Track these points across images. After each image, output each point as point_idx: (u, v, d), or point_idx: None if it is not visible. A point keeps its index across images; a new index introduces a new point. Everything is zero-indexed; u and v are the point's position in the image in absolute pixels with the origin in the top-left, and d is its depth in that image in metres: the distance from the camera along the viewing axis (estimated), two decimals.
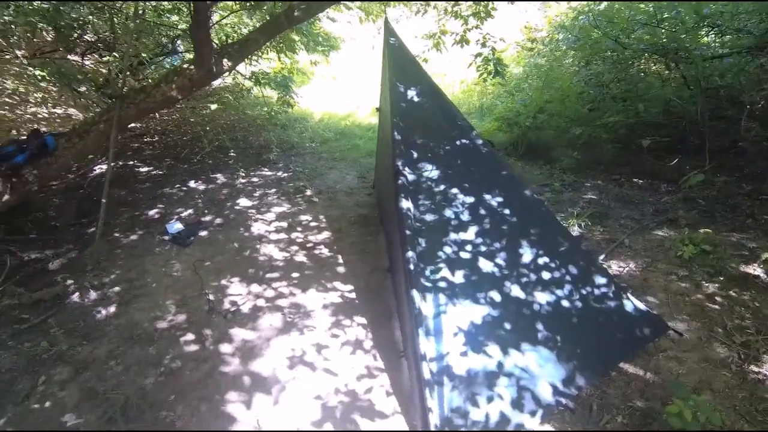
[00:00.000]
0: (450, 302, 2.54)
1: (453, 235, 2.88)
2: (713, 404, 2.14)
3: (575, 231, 3.91)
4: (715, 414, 1.87)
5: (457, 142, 3.43)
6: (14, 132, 6.13)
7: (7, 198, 3.91)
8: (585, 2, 6.77)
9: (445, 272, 2.67)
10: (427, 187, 3.11)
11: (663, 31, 4.78)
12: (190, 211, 4.84)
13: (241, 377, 2.62)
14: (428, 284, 2.58)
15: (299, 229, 4.36)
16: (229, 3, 6.57)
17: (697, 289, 2.98)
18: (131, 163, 6.45)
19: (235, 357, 2.79)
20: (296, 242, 4.10)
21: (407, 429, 2.24)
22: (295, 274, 3.60)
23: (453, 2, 5.26)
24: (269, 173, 5.95)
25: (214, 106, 6.23)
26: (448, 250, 2.80)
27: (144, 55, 6.06)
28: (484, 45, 5.33)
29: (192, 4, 3.76)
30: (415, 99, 3.71)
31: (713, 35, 5.35)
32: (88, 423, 2.33)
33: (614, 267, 3.35)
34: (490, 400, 2.21)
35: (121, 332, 3.03)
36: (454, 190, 3.14)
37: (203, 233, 4.36)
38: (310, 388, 2.50)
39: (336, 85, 10.72)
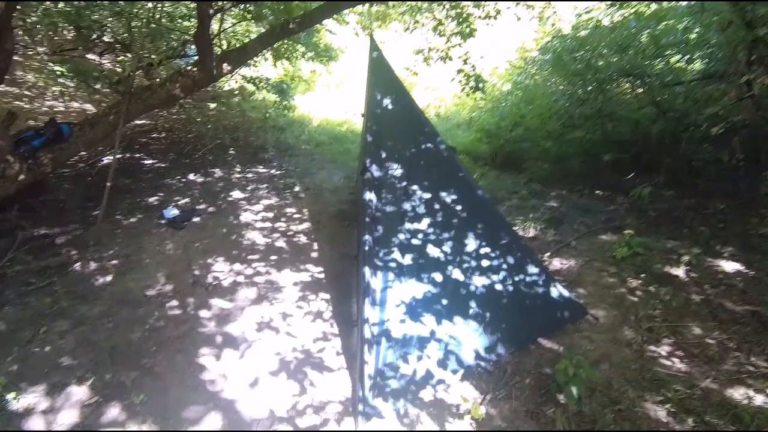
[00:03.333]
0: (397, 279, 2.95)
1: (408, 225, 3.29)
2: (607, 372, 2.53)
3: (531, 232, 4.31)
4: (594, 372, 2.26)
5: (422, 146, 3.85)
6: (32, 122, 6.66)
7: (23, 178, 4.36)
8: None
9: (396, 255, 3.08)
10: (390, 183, 3.53)
11: (626, 56, 5.22)
12: (186, 199, 5.28)
13: (214, 336, 3.03)
14: (380, 263, 2.98)
15: (283, 219, 4.79)
16: (238, 12, 7.12)
17: (622, 284, 3.36)
18: (138, 155, 6.93)
19: (211, 321, 3.20)
20: (278, 230, 4.53)
21: (350, 382, 2.62)
22: (273, 257, 4.02)
23: (438, 22, 5.74)
24: (263, 170, 6.41)
25: (213, 106, 6.73)
26: (401, 236, 3.20)
27: (154, 57, 6.56)
28: (465, 62, 5.78)
29: (197, 13, 4.26)
30: (390, 107, 4.14)
31: (684, 62, 5.80)
32: (81, 365, 2.74)
33: (557, 263, 3.74)
34: (419, 359, 2.60)
35: (115, 297, 3.45)
36: (414, 187, 3.56)
37: (196, 219, 4.80)
38: (272, 346, 2.91)
39: (337, 93, 11.25)
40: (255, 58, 6.42)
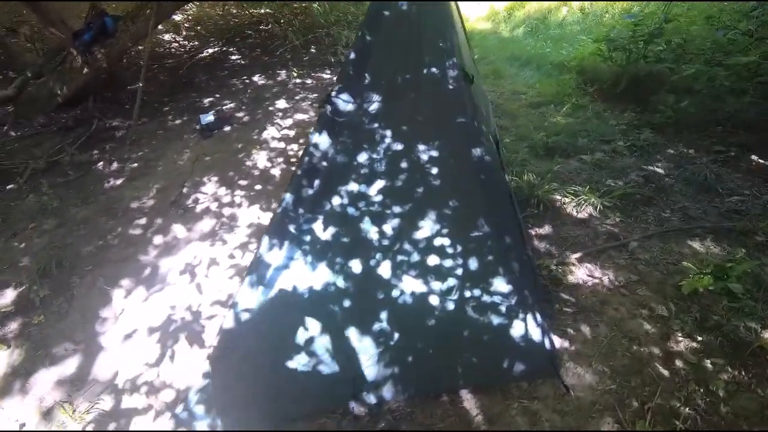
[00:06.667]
0: (303, 258, 2.29)
1: (353, 185, 2.47)
2: None
3: (585, 212, 2.94)
4: None
5: (425, 71, 2.73)
6: None
7: (87, 71, 4.68)
8: None
9: (317, 224, 2.37)
10: (357, 123, 2.64)
11: None
12: (233, 105, 5.12)
13: (144, 268, 2.91)
14: (294, 232, 2.34)
15: (301, 141, 4.26)
16: None
17: (660, 341, 2.02)
18: (232, 49, 6.98)
19: (156, 249, 3.08)
20: (286, 154, 4.06)
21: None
22: (258, 187, 3.64)
23: None
24: (327, 76, 5.78)
25: None
26: (336, 201, 2.44)
27: None
28: None
29: None
30: (404, 6, 2.97)
31: None
32: (30, 269, 2.91)
33: (581, 273, 2.46)
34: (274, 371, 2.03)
35: (107, 203, 3.59)
36: (387, 132, 2.61)
37: (227, 128, 4.62)
38: (175, 297, 2.65)
39: None
40: None
